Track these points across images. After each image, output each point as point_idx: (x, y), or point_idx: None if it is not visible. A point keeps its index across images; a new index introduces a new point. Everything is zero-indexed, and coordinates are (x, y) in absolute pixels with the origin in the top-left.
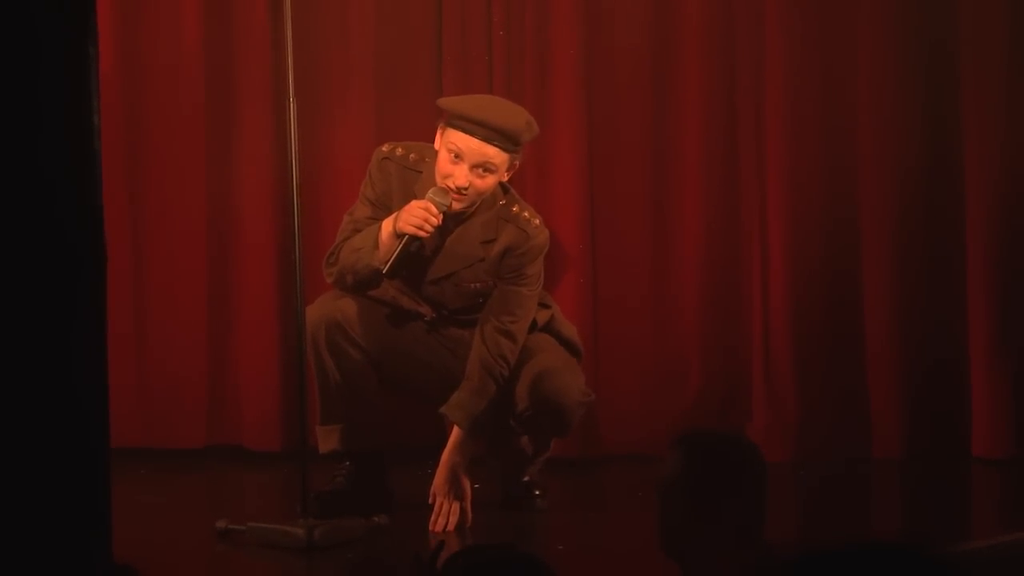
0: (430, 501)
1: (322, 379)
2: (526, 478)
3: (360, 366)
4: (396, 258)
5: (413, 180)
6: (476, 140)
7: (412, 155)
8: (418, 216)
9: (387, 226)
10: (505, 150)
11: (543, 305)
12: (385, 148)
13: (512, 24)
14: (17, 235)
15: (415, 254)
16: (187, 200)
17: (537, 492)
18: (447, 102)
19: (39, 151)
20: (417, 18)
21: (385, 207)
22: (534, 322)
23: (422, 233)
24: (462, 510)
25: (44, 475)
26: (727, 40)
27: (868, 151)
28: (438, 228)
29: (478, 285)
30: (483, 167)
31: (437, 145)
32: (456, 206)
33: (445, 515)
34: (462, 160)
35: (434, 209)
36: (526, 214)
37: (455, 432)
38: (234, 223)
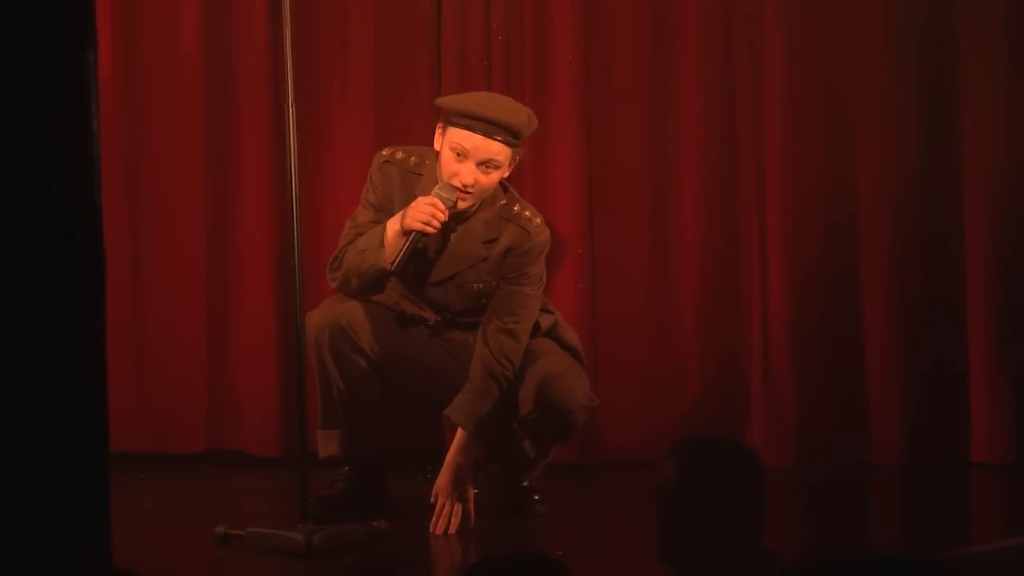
0: (432, 501)
1: (324, 384)
2: (525, 483)
3: (363, 372)
4: (404, 254)
5: (414, 183)
6: (480, 137)
7: (412, 158)
8: (425, 212)
9: (392, 225)
10: (508, 145)
11: (546, 311)
12: (385, 152)
13: (511, 29)
14: (16, 238)
15: (420, 254)
16: (186, 204)
17: (536, 497)
18: (446, 101)
19: (39, 155)
20: (416, 22)
21: (387, 211)
22: (537, 327)
23: (429, 229)
24: (464, 512)
25: (43, 479)
26: (726, 43)
27: (867, 154)
28: (440, 230)
29: (481, 285)
30: (488, 163)
31: (437, 145)
32: (462, 204)
33: (447, 517)
34: (467, 158)
35: (441, 205)
36: (527, 213)
37: (459, 434)
38: (233, 227)
